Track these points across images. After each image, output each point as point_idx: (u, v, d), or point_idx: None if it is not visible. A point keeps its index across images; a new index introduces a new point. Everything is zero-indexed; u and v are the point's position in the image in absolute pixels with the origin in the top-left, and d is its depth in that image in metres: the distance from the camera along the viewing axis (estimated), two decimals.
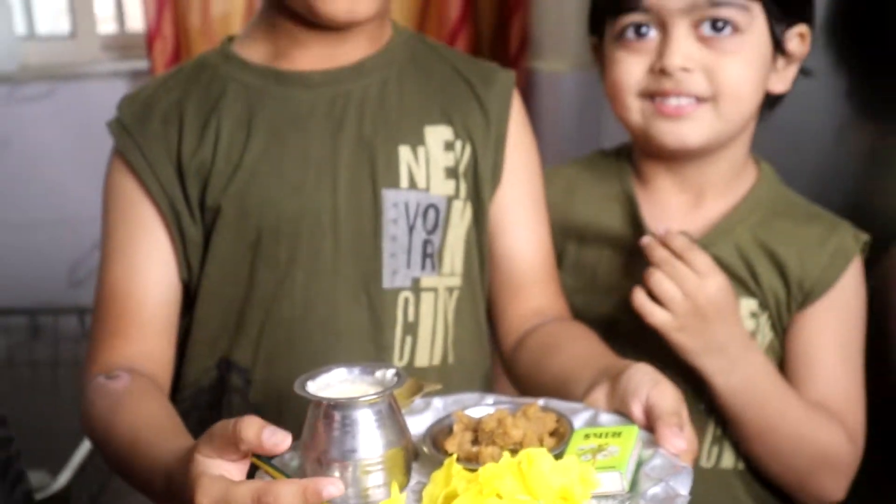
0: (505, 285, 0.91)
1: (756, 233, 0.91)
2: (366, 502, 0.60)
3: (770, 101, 0.92)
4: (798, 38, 0.90)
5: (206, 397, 0.87)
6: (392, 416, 0.61)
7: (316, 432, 0.60)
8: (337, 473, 0.59)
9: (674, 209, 0.95)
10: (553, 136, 1.92)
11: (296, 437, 0.62)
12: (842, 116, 1.04)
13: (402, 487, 0.61)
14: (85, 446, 1.56)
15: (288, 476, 0.59)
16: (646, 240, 0.85)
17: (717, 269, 0.84)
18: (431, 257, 0.85)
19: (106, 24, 2.10)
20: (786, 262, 0.90)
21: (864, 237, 0.91)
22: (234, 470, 0.58)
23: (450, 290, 0.87)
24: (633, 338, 0.89)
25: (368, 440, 0.59)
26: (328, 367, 0.64)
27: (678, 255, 0.83)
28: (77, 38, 2.06)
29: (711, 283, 0.83)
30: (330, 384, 0.63)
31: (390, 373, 0.63)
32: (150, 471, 0.68)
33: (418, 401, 0.72)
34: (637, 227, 0.94)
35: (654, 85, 0.88)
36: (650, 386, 0.66)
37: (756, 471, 0.92)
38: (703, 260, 0.83)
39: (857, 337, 0.91)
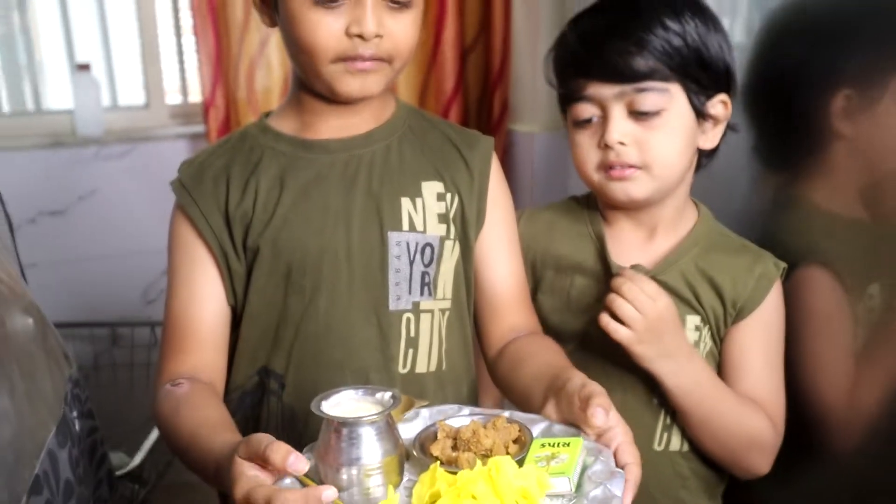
0: (487, 307, 0.90)
1: (697, 263, 0.91)
2: (367, 499, 0.61)
3: (708, 153, 0.92)
4: (721, 105, 0.89)
5: (249, 398, 0.87)
6: (388, 430, 0.62)
7: (329, 443, 0.61)
8: (344, 476, 0.60)
9: (632, 244, 0.95)
10: (528, 183, 1.92)
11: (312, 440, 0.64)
12: (755, 170, 1.05)
13: (396, 486, 0.62)
14: (154, 433, 1.55)
15: (311, 478, 0.60)
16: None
17: (663, 293, 0.84)
18: (428, 285, 0.84)
19: (172, 97, 2.11)
20: (722, 286, 0.90)
21: (783, 265, 0.91)
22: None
23: (443, 311, 0.86)
24: (601, 349, 0.89)
25: (370, 450, 0.61)
26: (338, 388, 0.65)
27: (635, 283, 0.84)
28: (150, 108, 2.06)
29: (660, 303, 0.83)
30: (340, 403, 0.64)
31: (388, 395, 0.64)
32: (204, 459, 0.69)
33: (411, 412, 0.72)
34: (604, 260, 0.94)
35: (603, 158, 0.87)
36: (580, 388, 0.68)
37: (698, 451, 0.92)
38: (651, 286, 0.84)
39: (778, 344, 0.92)
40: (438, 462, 0.62)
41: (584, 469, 0.62)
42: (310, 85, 0.82)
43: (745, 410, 0.88)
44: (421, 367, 0.85)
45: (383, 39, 0.76)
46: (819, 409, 0.93)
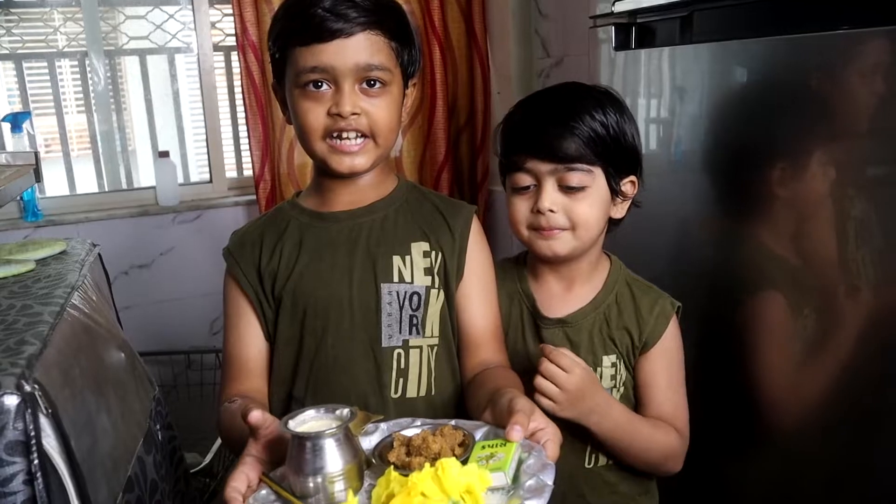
0: (464, 344, 0.86)
1: (609, 311, 0.89)
2: (332, 502, 0.57)
3: (616, 222, 0.90)
4: (630, 184, 0.87)
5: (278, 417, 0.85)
6: (347, 441, 0.58)
7: (295, 455, 0.58)
8: (311, 483, 0.57)
9: (554, 294, 0.91)
10: (507, 234, 1.90)
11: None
12: (717, 215, 1.03)
13: (357, 491, 0.59)
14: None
15: (283, 488, 0.58)
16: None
17: (579, 363, 0.78)
18: (416, 326, 0.82)
19: (230, 172, 2.13)
20: (629, 326, 0.87)
21: (678, 303, 0.88)
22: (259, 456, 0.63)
23: (431, 346, 0.83)
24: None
25: (331, 459, 0.57)
26: (301, 409, 0.61)
27: (552, 359, 0.78)
28: (213, 183, 2.10)
29: (574, 375, 0.77)
30: (304, 421, 0.60)
31: (346, 411, 0.60)
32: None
33: (370, 425, 0.68)
34: (533, 312, 0.90)
35: (534, 221, 0.86)
36: (509, 402, 0.64)
37: (622, 464, 0.88)
38: (566, 360, 0.77)
39: (679, 368, 0.89)
40: (393, 466, 0.58)
41: (520, 463, 0.58)
42: (314, 160, 0.82)
43: (656, 432, 0.85)
44: (411, 393, 0.82)
45: (360, 117, 0.77)
46: (770, 400, 0.95)
